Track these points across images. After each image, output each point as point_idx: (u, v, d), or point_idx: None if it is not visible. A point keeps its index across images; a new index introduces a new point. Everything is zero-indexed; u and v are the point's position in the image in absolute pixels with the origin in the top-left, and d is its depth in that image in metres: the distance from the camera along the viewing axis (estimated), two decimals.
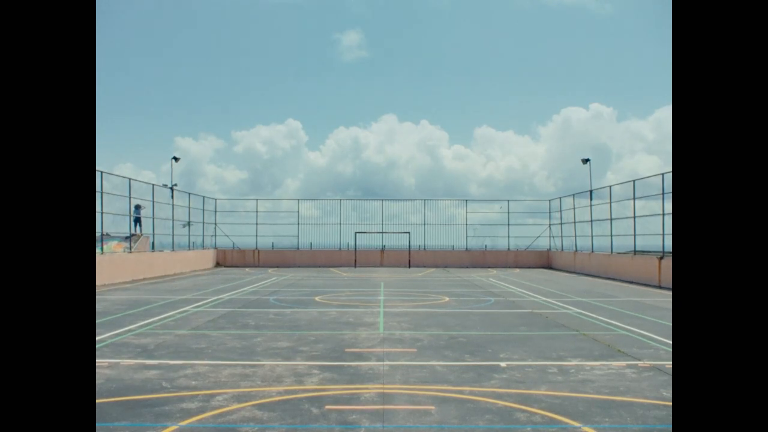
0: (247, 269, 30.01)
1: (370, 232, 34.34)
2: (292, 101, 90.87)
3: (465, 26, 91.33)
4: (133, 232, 24.09)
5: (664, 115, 71.74)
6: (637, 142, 79.24)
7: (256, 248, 33.66)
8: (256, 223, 34.13)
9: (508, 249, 34.11)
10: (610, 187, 25.55)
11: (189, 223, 29.49)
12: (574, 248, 29.81)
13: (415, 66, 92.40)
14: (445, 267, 32.52)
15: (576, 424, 4.96)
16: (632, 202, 23.25)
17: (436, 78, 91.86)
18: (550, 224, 34.36)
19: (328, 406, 5.43)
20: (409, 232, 34.01)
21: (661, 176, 20.58)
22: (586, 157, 29.40)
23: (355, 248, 33.60)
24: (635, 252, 22.92)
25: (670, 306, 13.72)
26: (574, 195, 30.47)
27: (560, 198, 32.99)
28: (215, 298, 15.62)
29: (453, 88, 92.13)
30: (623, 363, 7.45)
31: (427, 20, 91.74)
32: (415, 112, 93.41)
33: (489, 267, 32.51)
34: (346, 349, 8.28)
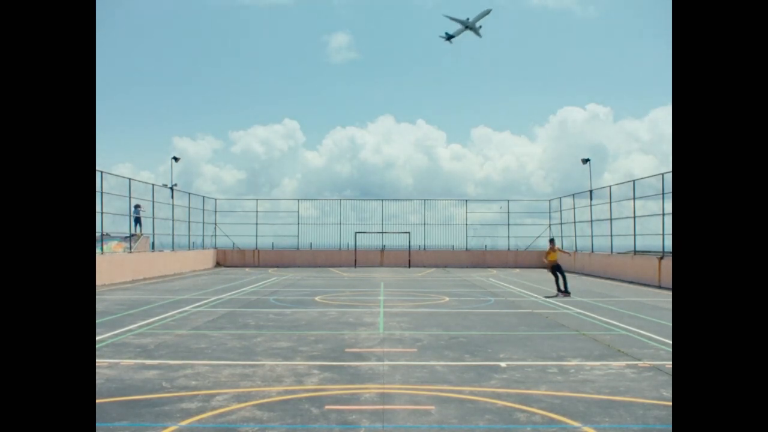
0: (247, 269, 30.00)
1: (370, 232, 34.35)
2: (290, 102, 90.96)
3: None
4: (133, 232, 24.08)
5: (659, 115, 71.84)
6: (632, 142, 79.28)
7: (256, 248, 33.66)
8: (256, 223, 34.13)
9: (508, 249, 34.11)
10: (610, 187, 25.57)
11: None
12: (574, 248, 29.80)
13: (410, 66, 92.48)
14: (445, 267, 32.50)
15: (576, 424, 4.96)
16: (632, 202, 23.26)
17: (432, 78, 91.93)
18: (550, 224, 34.35)
19: (328, 406, 5.43)
20: (409, 232, 34.01)
21: (660, 176, 20.60)
22: (585, 157, 29.48)
23: (355, 248, 33.60)
24: (635, 252, 22.92)
25: (670, 306, 13.71)
26: (573, 195, 30.47)
27: (560, 198, 32.99)
28: (215, 298, 15.62)
29: (450, 88, 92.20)
30: (623, 363, 7.45)
31: (419, 21, 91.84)
32: (411, 112, 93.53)
33: (489, 267, 32.50)
34: (346, 349, 8.28)
